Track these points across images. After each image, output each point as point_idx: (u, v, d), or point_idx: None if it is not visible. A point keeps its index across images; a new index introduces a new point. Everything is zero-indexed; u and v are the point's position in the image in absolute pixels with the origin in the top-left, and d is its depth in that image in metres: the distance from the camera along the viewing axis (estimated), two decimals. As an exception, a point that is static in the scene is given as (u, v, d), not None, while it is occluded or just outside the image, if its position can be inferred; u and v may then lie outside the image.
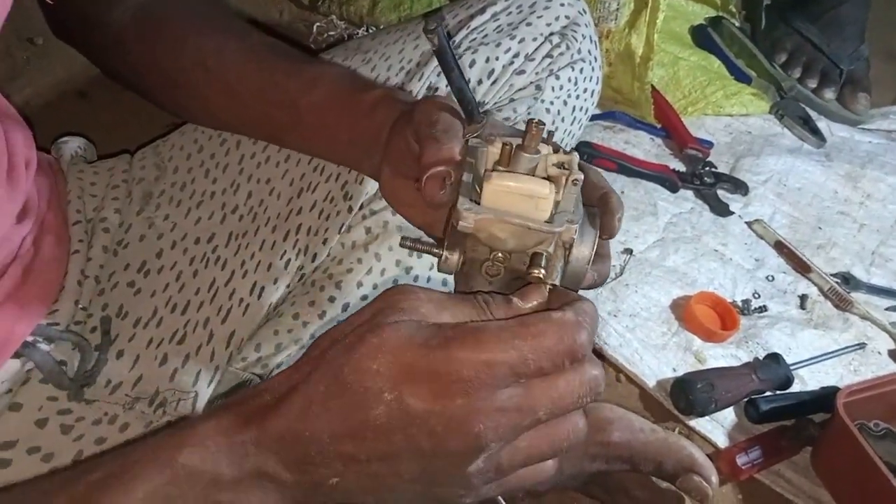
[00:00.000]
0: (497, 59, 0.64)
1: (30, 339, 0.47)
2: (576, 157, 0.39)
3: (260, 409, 0.32)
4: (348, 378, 0.31)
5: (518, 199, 0.37)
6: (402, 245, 0.41)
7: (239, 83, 0.55)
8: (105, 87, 1.02)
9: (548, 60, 0.66)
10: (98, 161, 0.66)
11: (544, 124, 0.38)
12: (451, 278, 0.41)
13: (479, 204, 0.37)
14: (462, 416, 0.30)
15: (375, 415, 0.31)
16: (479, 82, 0.64)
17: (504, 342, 0.31)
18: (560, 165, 0.39)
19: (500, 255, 0.38)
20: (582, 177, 0.38)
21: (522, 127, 0.39)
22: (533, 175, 0.38)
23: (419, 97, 0.61)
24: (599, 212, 0.42)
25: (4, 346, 0.46)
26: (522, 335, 0.31)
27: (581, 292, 0.40)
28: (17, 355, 0.47)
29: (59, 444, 0.46)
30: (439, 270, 0.39)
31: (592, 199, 0.43)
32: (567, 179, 0.38)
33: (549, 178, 0.38)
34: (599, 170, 0.46)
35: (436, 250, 0.40)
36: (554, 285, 0.38)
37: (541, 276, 0.37)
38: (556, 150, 0.40)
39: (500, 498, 0.37)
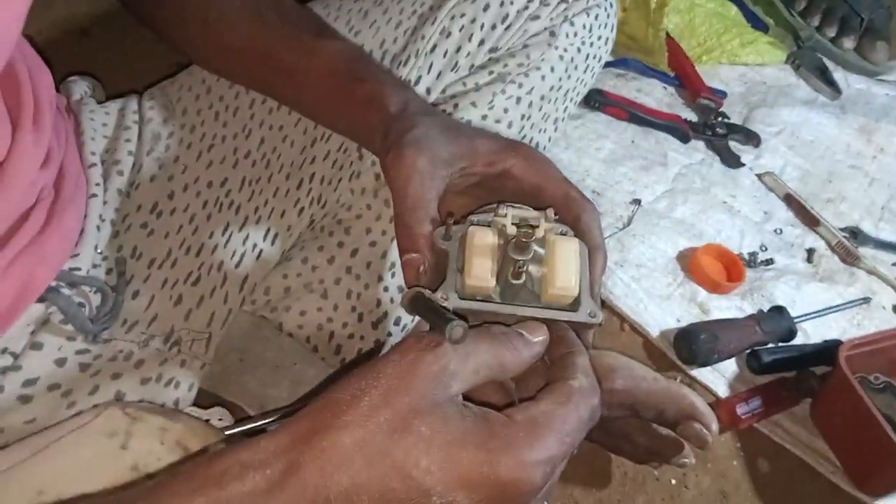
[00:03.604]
0: (511, 3, 0.63)
1: (53, 283, 0.48)
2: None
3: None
4: (394, 463, 0.30)
5: None
6: (409, 311, 0.38)
7: (238, 43, 0.54)
8: (107, 26, 1.01)
9: (563, 6, 0.65)
10: (108, 101, 0.65)
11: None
12: None
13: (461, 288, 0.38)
14: None
15: None
16: (493, 27, 0.62)
17: (556, 442, 0.32)
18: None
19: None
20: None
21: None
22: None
23: (430, 45, 0.60)
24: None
25: (28, 290, 0.46)
26: (563, 426, 0.33)
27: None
28: (40, 299, 0.47)
29: (78, 381, 0.47)
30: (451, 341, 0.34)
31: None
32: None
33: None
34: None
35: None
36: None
37: None
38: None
39: None
